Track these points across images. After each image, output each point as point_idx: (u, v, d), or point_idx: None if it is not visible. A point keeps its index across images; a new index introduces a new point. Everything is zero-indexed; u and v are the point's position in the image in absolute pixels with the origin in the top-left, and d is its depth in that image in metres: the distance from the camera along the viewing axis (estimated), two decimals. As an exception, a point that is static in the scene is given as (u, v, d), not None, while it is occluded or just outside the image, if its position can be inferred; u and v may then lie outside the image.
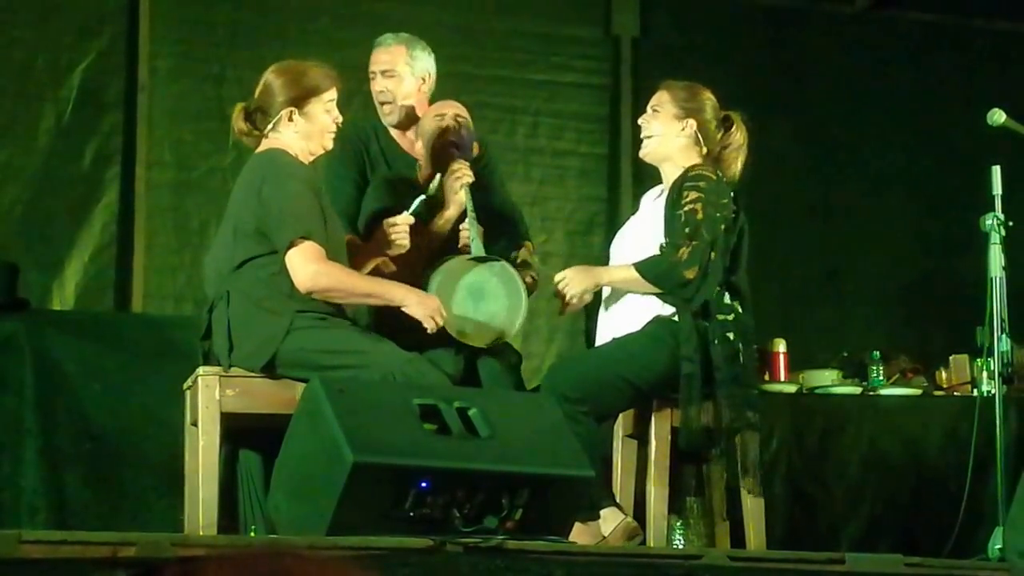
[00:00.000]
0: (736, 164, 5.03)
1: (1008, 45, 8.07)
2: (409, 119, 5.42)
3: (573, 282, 4.95)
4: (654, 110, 5.04)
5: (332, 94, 4.77)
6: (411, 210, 4.97)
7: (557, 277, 4.99)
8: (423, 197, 5.04)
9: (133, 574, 1.60)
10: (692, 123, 4.98)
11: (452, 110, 5.31)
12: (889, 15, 8.04)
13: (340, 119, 4.82)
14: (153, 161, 6.95)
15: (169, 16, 7.02)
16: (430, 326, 4.70)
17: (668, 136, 4.99)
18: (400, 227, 4.94)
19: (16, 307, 5.70)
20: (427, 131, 5.29)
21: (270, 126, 4.76)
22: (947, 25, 8.04)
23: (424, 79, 5.44)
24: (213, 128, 6.96)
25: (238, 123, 4.79)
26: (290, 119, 4.74)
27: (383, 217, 5.14)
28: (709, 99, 5.04)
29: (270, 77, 4.78)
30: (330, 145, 4.85)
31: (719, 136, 5.02)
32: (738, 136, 5.03)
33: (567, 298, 4.96)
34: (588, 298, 5.01)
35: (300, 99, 4.73)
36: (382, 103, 5.43)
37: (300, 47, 6.99)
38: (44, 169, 6.79)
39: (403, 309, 4.69)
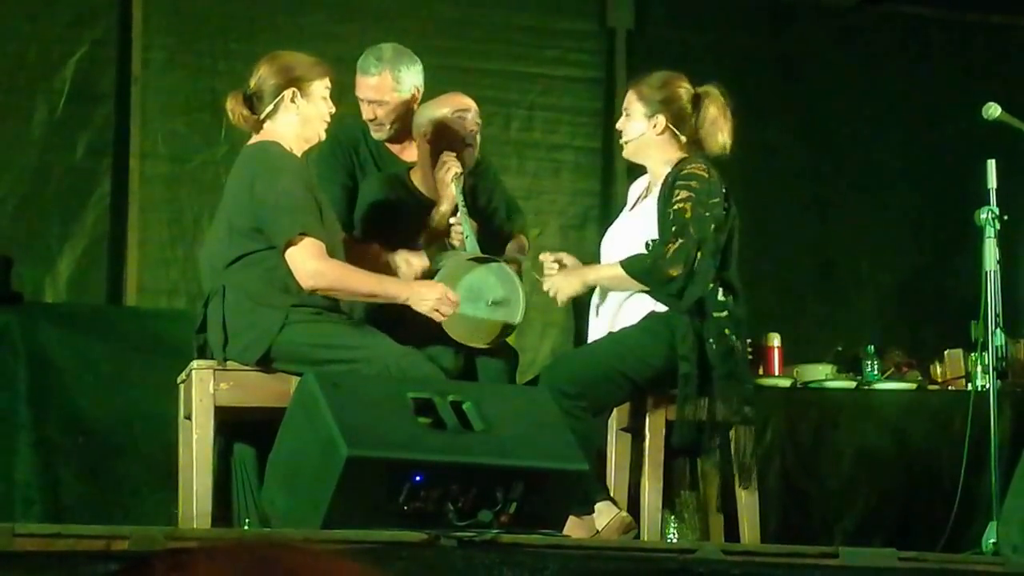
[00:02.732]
0: (718, 136, 4.94)
1: (1003, 39, 8.07)
2: (400, 134, 5.39)
3: (562, 287, 4.95)
4: (626, 113, 5.04)
5: (327, 83, 4.78)
6: (431, 263, 4.97)
7: (545, 286, 4.98)
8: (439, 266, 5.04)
9: (126, 565, 1.59)
10: (661, 118, 4.95)
11: (472, 111, 5.24)
12: (885, 9, 8.03)
13: (333, 109, 4.82)
14: (146, 153, 6.93)
15: (162, 8, 7.00)
16: (437, 318, 4.69)
17: (642, 137, 4.99)
18: (414, 268, 4.93)
19: (9, 300, 5.70)
20: (444, 122, 5.23)
21: (270, 107, 4.74)
22: (942, 19, 8.03)
23: (414, 94, 5.36)
24: (206, 120, 6.95)
25: (237, 108, 4.76)
26: (292, 100, 4.73)
27: (380, 211, 5.13)
28: (679, 86, 4.99)
29: (267, 62, 4.78)
30: (324, 135, 4.85)
31: (693, 119, 4.98)
32: (710, 111, 4.96)
33: (557, 303, 4.98)
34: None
35: (300, 81, 4.73)
36: (370, 124, 5.37)
37: (294, 40, 6.95)
38: (37, 161, 6.77)
39: (408, 304, 4.69)
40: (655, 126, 4.96)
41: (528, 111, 7.53)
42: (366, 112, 5.34)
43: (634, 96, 5.01)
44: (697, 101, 4.98)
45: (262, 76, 4.76)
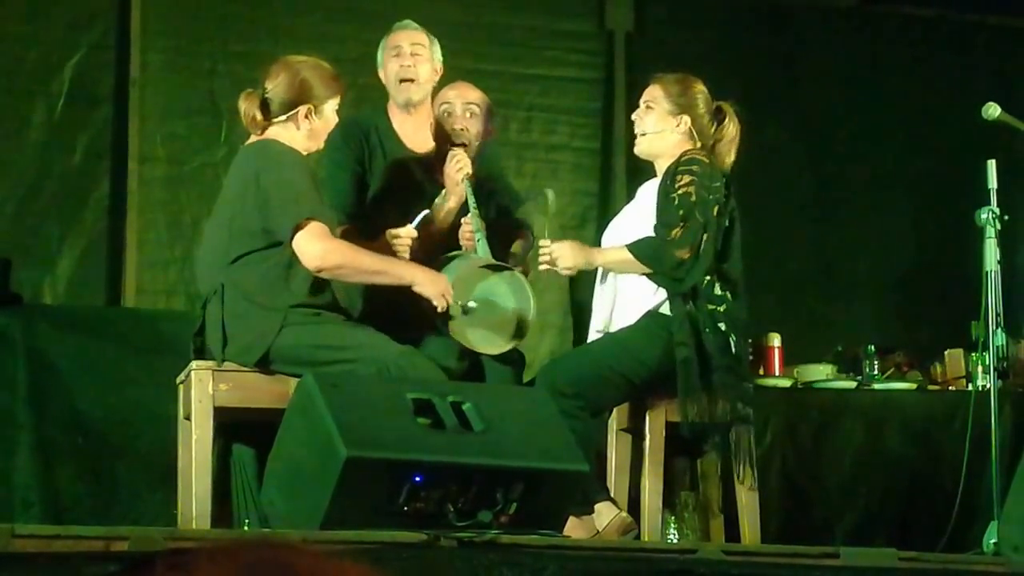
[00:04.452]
0: (729, 156, 5.03)
1: (1003, 39, 8.06)
2: (420, 111, 5.39)
3: (564, 256, 4.94)
4: (647, 106, 5.03)
5: (338, 98, 4.79)
6: (415, 224, 4.95)
7: (552, 247, 4.95)
8: (427, 212, 5.02)
9: (127, 565, 1.59)
10: (686, 119, 4.98)
11: (460, 100, 5.25)
12: (884, 10, 8.03)
13: (336, 120, 4.83)
14: (145, 156, 6.92)
15: (160, 10, 7.00)
16: (440, 305, 4.69)
17: (662, 133, 5.00)
18: (403, 240, 4.92)
19: (9, 302, 5.69)
20: (436, 118, 5.25)
21: (283, 117, 4.74)
22: (942, 19, 8.03)
23: (437, 70, 5.42)
24: (205, 123, 6.94)
25: (251, 110, 4.74)
26: (306, 116, 4.73)
27: (385, 201, 5.12)
28: (701, 92, 5.03)
29: (285, 72, 4.75)
30: (322, 146, 4.87)
31: (712, 130, 5.02)
32: (731, 128, 5.02)
33: (556, 268, 4.94)
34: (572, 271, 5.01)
35: (315, 99, 4.73)
36: (404, 79, 5.35)
37: (292, 41, 6.96)
38: (35, 164, 6.77)
39: (413, 288, 4.68)
40: (679, 125, 4.97)
41: (527, 112, 7.53)
42: (405, 60, 5.33)
43: (660, 92, 5.01)
44: (720, 114, 5.01)
45: (279, 86, 4.74)
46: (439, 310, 4.70)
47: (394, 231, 4.94)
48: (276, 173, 4.64)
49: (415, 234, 4.93)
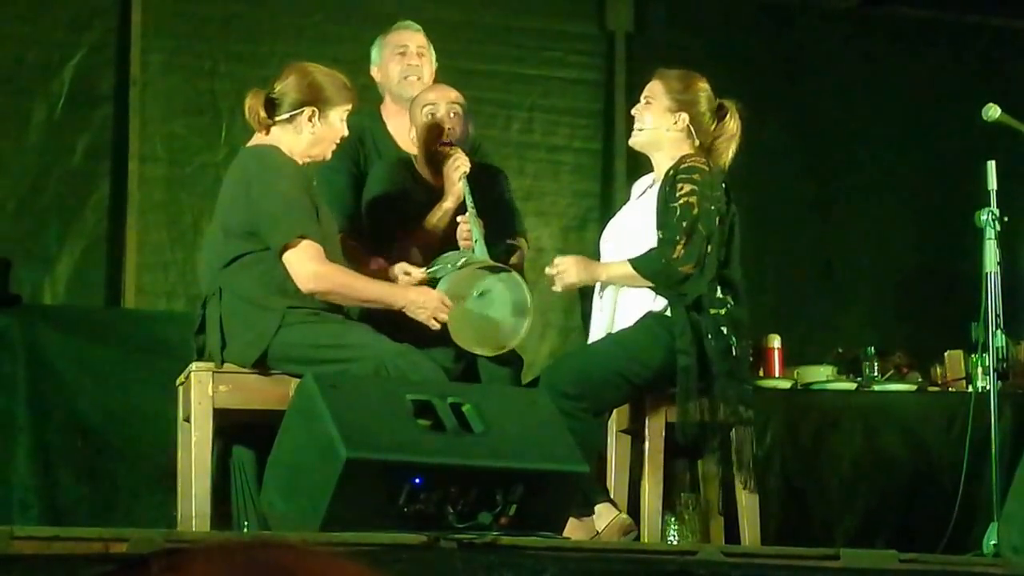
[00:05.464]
0: (727, 153, 4.99)
1: (1003, 40, 8.06)
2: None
3: (570, 272, 4.94)
4: (647, 100, 5.01)
5: (349, 107, 4.77)
6: (429, 270, 4.89)
7: (556, 261, 4.96)
8: (442, 267, 4.95)
9: (122, 564, 1.58)
10: (684, 116, 4.95)
11: (444, 100, 5.24)
12: (884, 11, 8.03)
13: (346, 134, 4.80)
14: (145, 156, 6.92)
15: (161, 10, 6.99)
16: (434, 326, 4.68)
17: (660, 128, 4.98)
18: (413, 278, 4.86)
19: (8, 302, 5.69)
20: (418, 122, 5.24)
21: (285, 117, 4.73)
22: (942, 20, 8.03)
23: (433, 73, 5.48)
24: (206, 123, 6.94)
25: (257, 107, 4.73)
26: (310, 119, 4.71)
27: (383, 204, 5.12)
28: (704, 89, 5.00)
29: (296, 73, 4.75)
30: (330, 156, 4.85)
31: (712, 127, 4.99)
32: (731, 125, 4.99)
33: (558, 286, 4.95)
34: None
35: (323, 104, 4.72)
36: (408, 76, 5.43)
37: (293, 42, 6.98)
38: (35, 164, 6.76)
39: (405, 312, 4.68)
40: (676, 122, 4.95)
41: (528, 113, 7.53)
42: (411, 60, 5.44)
43: (661, 87, 4.99)
44: (721, 111, 4.98)
45: (288, 86, 4.73)
46: (435, 328, 4.69)
47: (407, 268, 4.90)
48: (268, 183, 4.62)
49: (426, 278, 4.89)
